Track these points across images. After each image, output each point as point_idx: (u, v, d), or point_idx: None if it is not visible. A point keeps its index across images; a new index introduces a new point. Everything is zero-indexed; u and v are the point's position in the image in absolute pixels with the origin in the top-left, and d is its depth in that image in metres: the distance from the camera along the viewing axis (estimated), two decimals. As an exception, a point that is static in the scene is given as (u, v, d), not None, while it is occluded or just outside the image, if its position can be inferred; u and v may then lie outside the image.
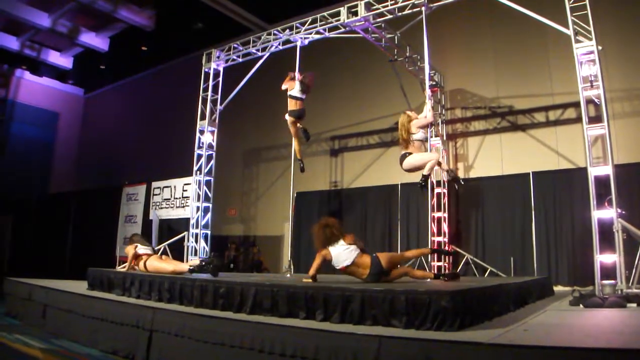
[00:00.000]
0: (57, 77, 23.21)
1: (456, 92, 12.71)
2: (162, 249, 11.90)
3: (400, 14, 9.63)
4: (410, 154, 7.16)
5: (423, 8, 9.17)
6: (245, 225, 16.43)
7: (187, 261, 11.35)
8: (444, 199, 11.88)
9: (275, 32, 11.44)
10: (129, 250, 8.66)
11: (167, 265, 8.15)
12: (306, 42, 10.85)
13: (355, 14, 9.83)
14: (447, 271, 11.15)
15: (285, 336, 4.61)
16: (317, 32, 10.72)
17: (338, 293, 4.98)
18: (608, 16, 10.15)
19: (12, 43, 19.33)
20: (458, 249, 11.59)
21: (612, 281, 7.00)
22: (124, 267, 8.81)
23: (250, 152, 16.83)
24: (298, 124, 9.22)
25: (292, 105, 9.16)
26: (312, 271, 6.61)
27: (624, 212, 7.32)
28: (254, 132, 16.65)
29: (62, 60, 21.35)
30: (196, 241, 12.28)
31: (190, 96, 13.90)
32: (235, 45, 12.26)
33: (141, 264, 8.36)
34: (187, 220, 12.73)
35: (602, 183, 7.48)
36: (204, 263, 7.75)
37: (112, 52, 19.69)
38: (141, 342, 5.81)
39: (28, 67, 21.82)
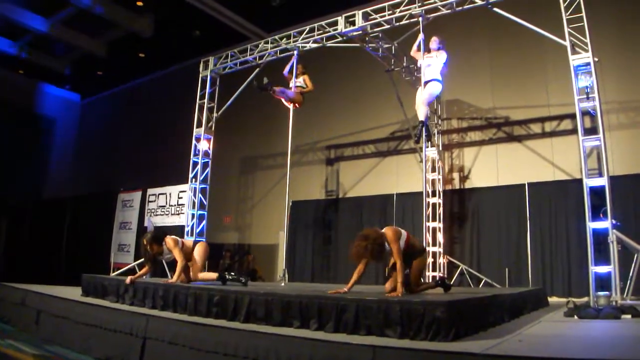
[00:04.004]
0: (54, 82, 23.18)
1: (452, 103, 12.74)
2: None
3: (397, 24, 9.67)
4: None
5: (420, 18, 9.23)
6: (240, 234, 16.39)
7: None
8: (439, 209, 11.87)
9: (272, 40, 11.47)
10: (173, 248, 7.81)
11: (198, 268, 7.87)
12: (303, 51, 10.87)
13: (353, 23, 9.85)
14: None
15: (279, 345, 4.59)
16: (315, 41, 10.74)
17: (332, 302, 4.97)
18: (604, 28, 10.22)
19: (9, 47, 19.33)
20: (453, 259, 11.59)
21: (607, 292, 7.00)
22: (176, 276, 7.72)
23: (246, 160, 16.82)
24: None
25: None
26: (399, 281, 5.79)
27: (619, 223, 7.33)
28: (250, 140, 16.64)
29: (59, 65, 21.33)
30: (191, 248, 12.22)
31: (187, 103, 13.89)
32: (233, 53, 12.27)
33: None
34: (182, 227, 12.68)
35: (597, 194, 7.50)
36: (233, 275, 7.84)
37: (110, 58, 19.70)
38: (134, 349, 5.79)
39: (25, 71, 21.78)
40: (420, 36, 9.32)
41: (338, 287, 6.07)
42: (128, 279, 7.48)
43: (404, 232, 6.06)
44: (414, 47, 9.65)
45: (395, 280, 5.76)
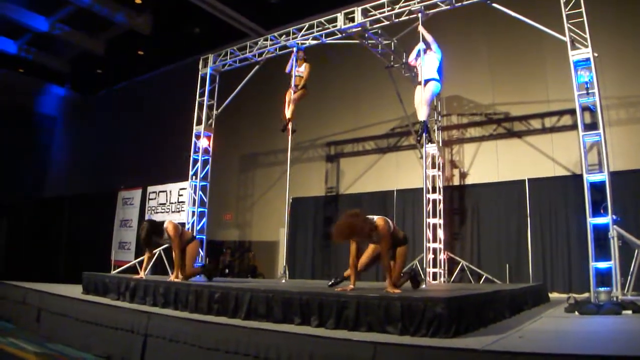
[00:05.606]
0: (54, 80, 23.16)
1: (452, 99, 12.73)
2: (156, 254, 11.85)
3: (396, 20, 9.65)
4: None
5: (419, 14, 9.21)
6: (241, 231, 16.40)
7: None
8: (439, 205, 11.86)
9: (271, 37, 11.45)
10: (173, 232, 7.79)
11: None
12: (303, 47, 10.86)
13: (352, 20, 9.83)
14: (443, 277, 11.18)
15: (280, 342, 4.59)
16: (314, 38, 10.73)
17: (333, 299, 4.97)
18: (604, 24, 10.19)
19: (9, 46, 19.32)
20: (453, 256, 11.59)
21: (608, 288, 7.00)
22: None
23: (246, 157, 16.82)
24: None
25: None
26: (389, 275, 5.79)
27: (619, 218, 7.33)
28: (250, 137, 16.64)
29: (59, 63, 21.31)
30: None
31: (186, 101, 13.86)
32: (232, 51, 12.24)
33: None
34: (183, 225, 12.68)
35: (597, 190, 7.49)
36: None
37: (109, 56, 19.69)
38: (135, 347, 5.79)
39: (25, 70, 21.77)
40: (420, 30, 9.35)
41: (342, 286, 6.09)
42: (141, 274, 7.76)
43: (391, 223, 5.91)
44: (413, 55, 9.86)
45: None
